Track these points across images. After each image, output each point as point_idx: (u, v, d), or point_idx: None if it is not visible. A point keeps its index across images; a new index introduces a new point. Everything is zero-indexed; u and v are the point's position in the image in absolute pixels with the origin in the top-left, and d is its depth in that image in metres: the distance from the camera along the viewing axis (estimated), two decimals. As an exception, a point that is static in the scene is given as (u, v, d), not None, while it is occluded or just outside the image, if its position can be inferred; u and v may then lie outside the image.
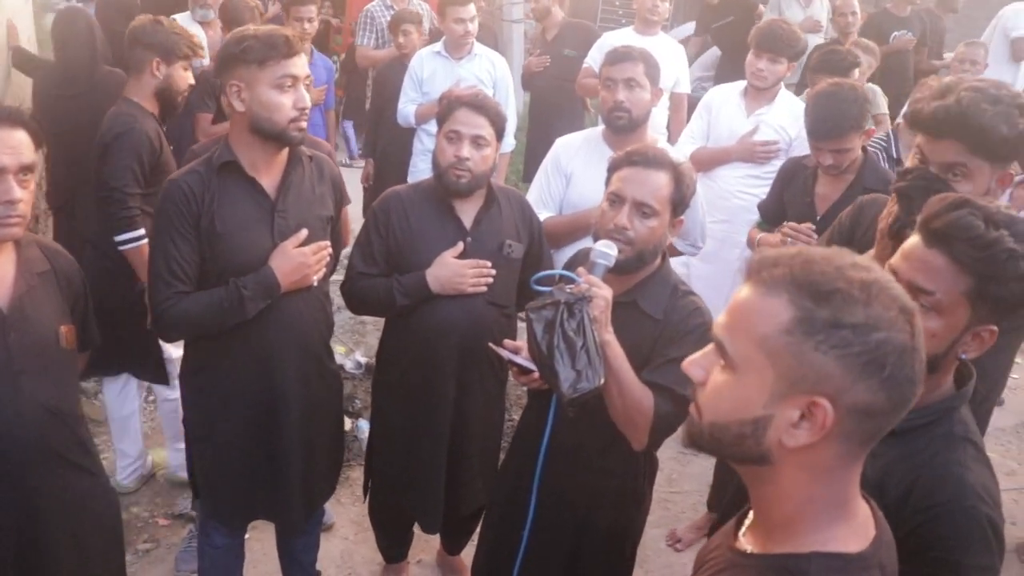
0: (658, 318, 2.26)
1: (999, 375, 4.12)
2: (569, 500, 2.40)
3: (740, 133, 4.17)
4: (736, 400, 1.12)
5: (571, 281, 2.11)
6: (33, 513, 2.16)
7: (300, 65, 2.41)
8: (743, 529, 1.26)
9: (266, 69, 2.37)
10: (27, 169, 2.05)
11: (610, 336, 2.10)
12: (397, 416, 2.87)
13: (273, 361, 2.56)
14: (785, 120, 4.14)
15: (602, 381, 2.02)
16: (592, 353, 2.00)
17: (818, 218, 3.18)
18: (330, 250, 2.61)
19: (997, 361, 4.03)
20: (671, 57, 5.24)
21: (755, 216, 4.03)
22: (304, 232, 2.51)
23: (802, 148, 3.96)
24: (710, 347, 1.18)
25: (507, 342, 2.38)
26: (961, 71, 5.40)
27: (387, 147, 5.32)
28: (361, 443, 3.95)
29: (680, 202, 2.27)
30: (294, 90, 2.40)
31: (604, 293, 2.08)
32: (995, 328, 1.54)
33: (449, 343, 2.71)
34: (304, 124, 2.44)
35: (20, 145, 2.03)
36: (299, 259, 2.48)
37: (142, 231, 3.17)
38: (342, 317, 5.01)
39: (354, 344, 5.15)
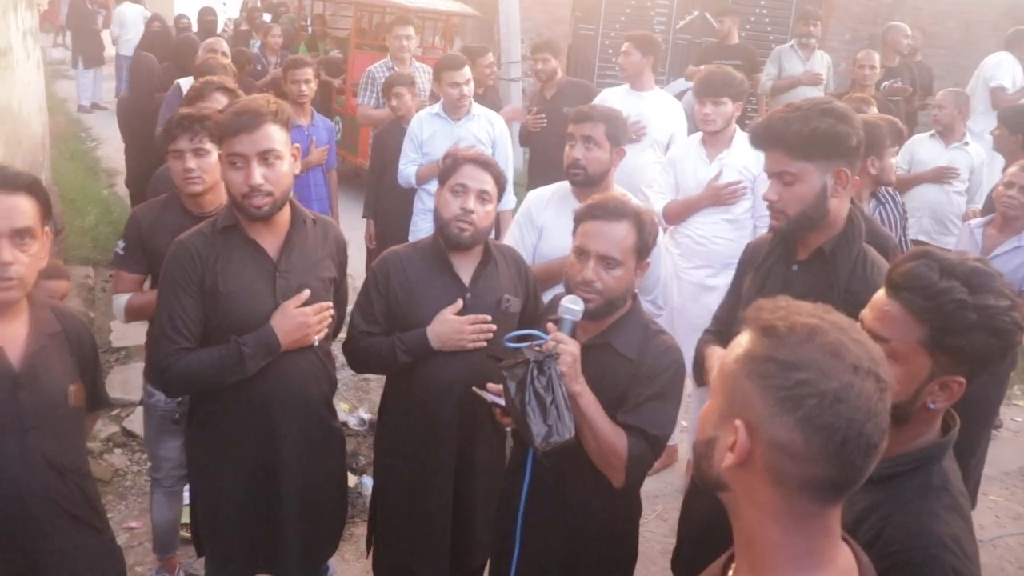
0: (632, 358, 2.34)
1: (990, 409, 4.16)
2: (553, 537, 2.45)
3: (705, 180, 4.24)
4: (702, 420, 1.23)
5: (541, 339, 2.23)
6: (39, 568, 2.18)
7: (251, 142, 2.43)
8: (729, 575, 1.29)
9: (223, 147, 2.48)
10: (23, 233, 2.05)
11: (580, 387, 2.22)
12: (400, 472, 2.89)
13: (273, 418, 2.61)
14: (747, 159, 4.22)
15: (572, 434, 2.13)
16: (561, 408, 2.12)
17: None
18: (332, 311, 2.67)
19: (986, 395, 4.09)
20: (666, 112, 5.34)
21: (732, 260, 4.15)
22: (306, 293, 2.58)
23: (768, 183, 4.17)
24: None
25: (490, 385, 2.46)
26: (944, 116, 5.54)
27: (388, 208, 5.39)
28: (365, 500, 3.96)
29: (644, 248, 2.37)
30: (246, 167, 2.44)
31: (571, 349, 2.21)
32: (963, 380, 1.56)
33: (450, 398, 2.74)
34: (260, 201, 2.47)
35: (13, 210, 2.04)
36: (300, 319, 2.55)
37: None
38: (345, 375, 5.04)
39: (358, 401, 5.18)
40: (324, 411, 2.78)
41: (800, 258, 2.50)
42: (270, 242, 2.58)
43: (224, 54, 5.94)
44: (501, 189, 2.87)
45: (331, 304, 2.67)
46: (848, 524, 1.52)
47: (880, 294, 1.66)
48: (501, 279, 2.86)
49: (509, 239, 3.56)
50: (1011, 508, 4.88)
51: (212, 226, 2.58)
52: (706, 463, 1.21)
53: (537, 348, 2.20)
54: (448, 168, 2.83)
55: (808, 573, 1.16)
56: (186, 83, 5.69)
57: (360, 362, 2.90)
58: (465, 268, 2.82)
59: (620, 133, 3.41)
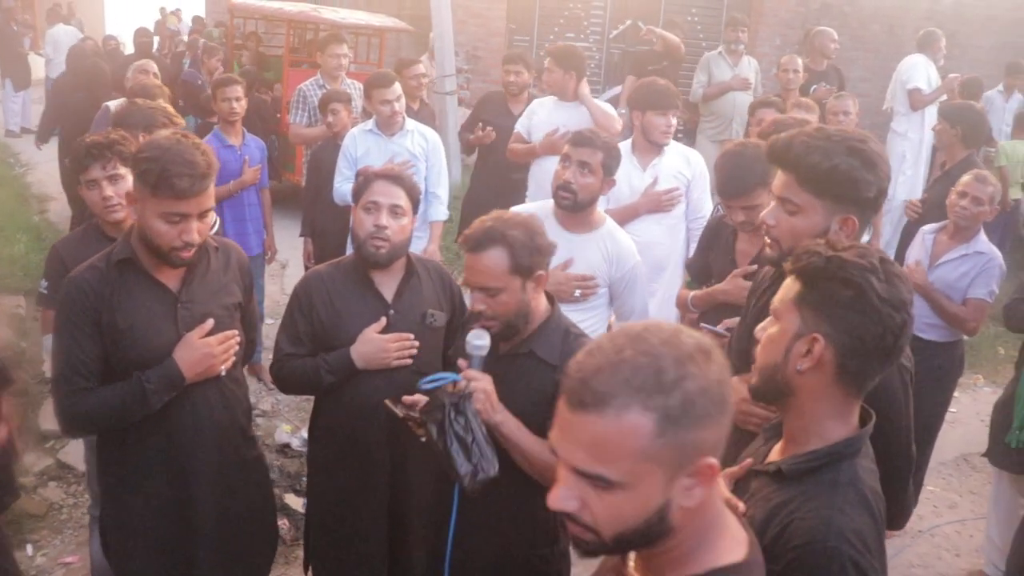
0: (555, 363, 2.37)
1: (935, 421, 4.29)
2: (484, 547, 2.47)
3: (640, 188, 4.28)
4: (636, 505, 1.18)
5: (454, 380, 2.29)
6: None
7: (196, 204, 2.36)
8: (632, 563, 1.35)
9: (157, 199, 2.34)
10: None
11: (500, 416, 2.27)
12: (333, 491, 2.87)
13: (183, 453, 2.54)
14: (680, 165, 4.30)
15: (496, 470, 2.20)
16: (483, 446, 2.19)
17: None
18: (239, 338, 2.60)
19: (932, 410, 4.21)
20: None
21: (667, 263, 4.26)
22: (210, 323, 2.51)
23: (701, 186, 4.30)
24: (569, 477, 1.19)
25: (405, 398, 2.47)
26: (836, 122, 5.64)
27: (325, 225, 5.35)
28: (309, 521, 3.92)
29: (524, 266, 2.35)
30: (183, 224, 2.36)
31: (483, 385, 2.26)
32: (817, 335, 1.59)
33: (379, 414, 2.70)
34: (188, 253, 2.41)
35: None
36: (204, 350, 2.47)
37: None
38: (286, 395, 5.00)
39: (300, 421, 5.12)
40: (239, 441, 2.71)
41: None
42: (170, 273, 2.50)
43: (155, 75, 5.87)
44: (415, 201, 2.86)
45: (237, 332, 2.60)
46: (760, 520, 1.57)
47: None
48: (424, 294, 2.86)
49: None
50: (947, 497, 5.02)
51: (106, 259, 2.48)
52: (658, 526, 1.21)
53: (451, 389, 2.26)
54: (360, 186, 2.84)
55: (720, 539, 1.28)
56: (115, 105, 5.64)
57: (287, 384, 2.89)
58: (387, 285, 2.82)
59: (615, 164, 3.40)
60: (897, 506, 2.12)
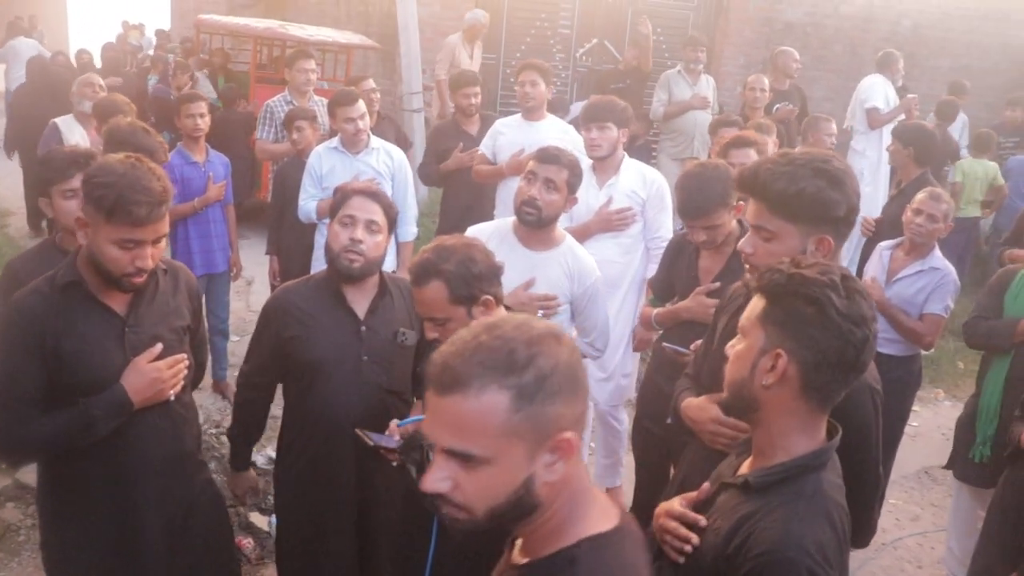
0: None
1: (894, 433, 4.34)
2: (461, 557, 2.42)
3: (595, 206, 4.28)
4: (503, 479, 1.27)
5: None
6: None
7: (151, 231, 2.31)
8: (516, 549, 1.43)
9: (112, 226, 2.27)
10: None
11: None
12: (300, 509, 2.86)
13: (130, 483, 2.46)
14: (635, 184, 4.30)
15: None
16: None
17: None
18: (188, 362, 2.54)
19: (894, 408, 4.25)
20: (559, 139, 5.37)
21: (623, 282, 4.27)
22: (158, 347, 2.44)
23: (658, 206, 4.29)
24: (440, 460, 1.28)
25: (392, 425, 2.48)
26: (830, 143, 5.76)
27: (291, 243, 5.32)
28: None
29: (464, 296, 2.37)
30: (138, 250, 2.31)
31: None
32: (780, 351, 1.63)
33: (347, 433, 2.69)
34: (141, 278, 2.37)
35: None
36: (152, 375, 2.40)
37: None
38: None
39: (265, 439, 5.07)
40: (190, 469, 2.64)
41: None
42: (117, 297, 2.42)
43: (100, 87, 5.84)
44: (391, 220, 2.86)
45: (186, 355, 2.54)
46: (726, 531, 1.61)
47: None
48: (396, 312, 2.86)
49: None
50: (909, 510, 5.08)
51: (50, 283, 2.40)
52: (527, 499, 1.29)
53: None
54: (337, 201, 2.84)
55: (588, 511, 1.36)
56: (63, 122, 5.63)
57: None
58: (360, 301, 2.81)
59: (577, 182, 3.42)
60: (863, 525, 2.15)
